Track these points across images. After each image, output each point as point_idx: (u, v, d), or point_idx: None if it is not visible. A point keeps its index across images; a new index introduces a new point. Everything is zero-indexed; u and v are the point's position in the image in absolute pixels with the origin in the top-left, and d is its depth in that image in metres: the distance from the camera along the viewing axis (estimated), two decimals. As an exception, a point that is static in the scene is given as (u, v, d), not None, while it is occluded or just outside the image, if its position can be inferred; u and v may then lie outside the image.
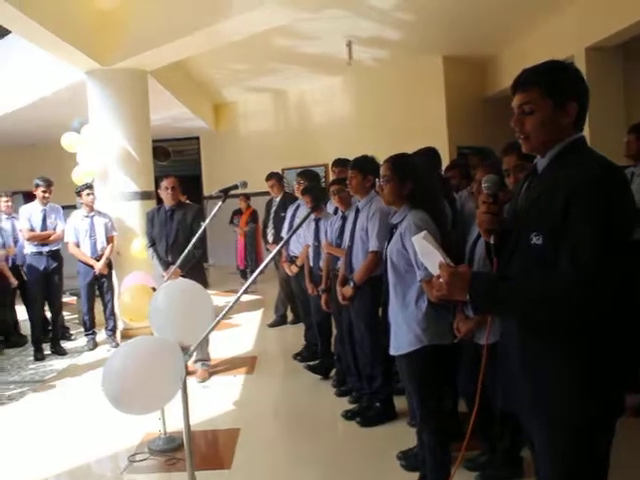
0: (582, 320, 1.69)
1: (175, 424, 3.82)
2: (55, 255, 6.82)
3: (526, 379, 1.84)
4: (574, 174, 1.72)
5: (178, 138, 14.48)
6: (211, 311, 3.15)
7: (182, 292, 3.23)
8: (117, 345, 6.73)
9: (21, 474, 3.86)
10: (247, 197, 10.99)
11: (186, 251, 4.27)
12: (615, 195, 1.68)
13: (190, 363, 5.51)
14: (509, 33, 8.82)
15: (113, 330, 6.97)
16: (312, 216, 5.15)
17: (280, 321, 7.70)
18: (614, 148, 4.79)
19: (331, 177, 6.93)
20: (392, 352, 3.08)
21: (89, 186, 6.80)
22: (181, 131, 13.54)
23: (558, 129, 1.82)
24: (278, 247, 2.76)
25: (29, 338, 7.04)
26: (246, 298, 9.56)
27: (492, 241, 1.94)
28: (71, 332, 7.73)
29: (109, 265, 6.89)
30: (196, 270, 5.35)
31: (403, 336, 2.98)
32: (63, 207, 7.19)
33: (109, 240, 6.83)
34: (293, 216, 6.16)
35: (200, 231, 4.30)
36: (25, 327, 7.31)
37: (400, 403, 4.26)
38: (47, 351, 6.82)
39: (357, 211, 4.23)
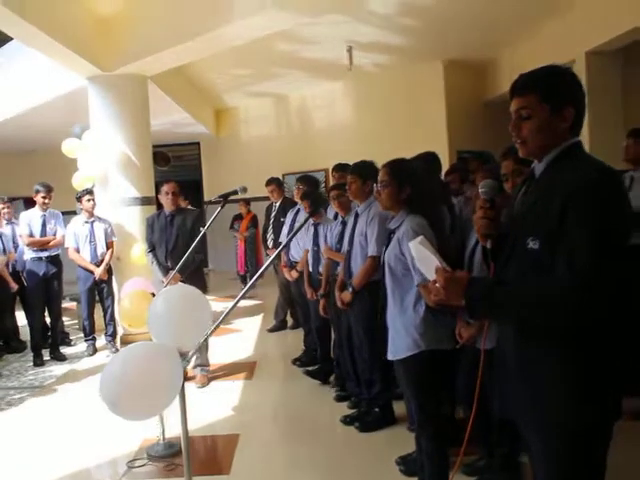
0: (578, 324, 1.68)
1: (174, 430, 3.81)
2: (55, 261, 6.83)
3: (522, 384, 1.84)
4: (571, 179, 1.72)
5: (179, 143, 14.49)
6: (210, 317, 3.14)
7: (181, 298, 3.22)
8: (117, 351, 6.72)
9: (20, 480, 3.87)
10: (247, 202, 10.98)
11: (185, 256, 4.27)
12: (612, 200, 1.68)
13: (189, 368, 5.52)
14: (509, 38, 8.84)
15: (113, 336, 6.97)
16: (311, 221, 5.16)
17: (280, 326, 7.70)
18: (614, 152, 4.81)
19: (331, 182, 6.94)
20: (390, 357, 3.08)
21: (89, 192, 6.81)
22: (182, 136, 13.55)
23: (555, 134, 1.82)
24: (276, 252, 2.76)
25: (29, 344, 7.03)
26: (246, 303, 9.56)
27: (489, 246, 1.94)
28: (71, 338, 7.73)
29: (109, 271, 6.89)
30: (196, 275, 5.35)
31: (401, 341, 2.98)
32: (63, 213, 7.20)
33: (109, 246, 6.84)
34: (293, 221, 6.16)
35: (199, 236, 4.30)
36: (25, 333, 7.30)
37: (399, 408, 4.26)
38: (46, 357, 6.81)
39: (356, 216, 4.23)
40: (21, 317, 7.39)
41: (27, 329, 7.03)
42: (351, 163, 4.45)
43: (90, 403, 4.87)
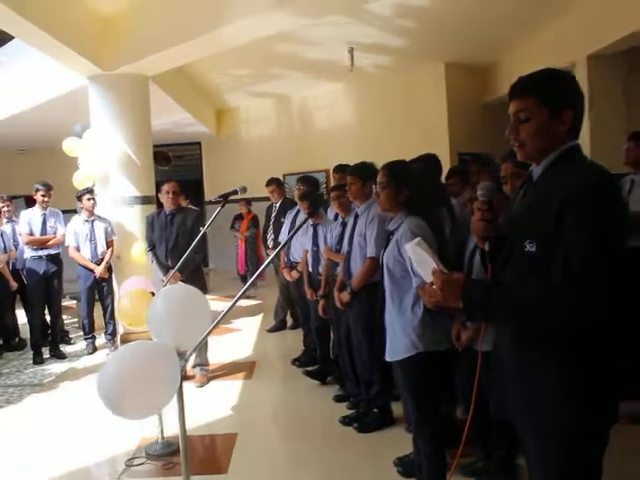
0: (575, 328, 1.69)
1: (172, 429, 3.83)
2: (55, 259, 6.84)
3: (519, 387, 1.84)
4: (569, 182, 1.72)
5: (180, 143, 14.50)
6: (209, 316, 3.15)
7: (180, 297, 3.23)
8: (116, 349, 6.72)
9: (18, 478, 3.87)
10: (248, 202, 10.97)
11: (185, 255, 4.28)
12: (609, 203, 1.68)
13: (189, 368, 5.53)
14: (511, 40, 8.84)
15: (113, 334, 6.98)
16: (310, 222, 5.16)
17: (279, 326, 7.70)
18: (615, 156, 4.81)
19: (332, 183, 6.94)
20: (388, 358, 3.08)
21: (89, 191, 6.83)
22: (183, 136, 13.55)
23: (553, 137, 1.83)
24: (274, 253, 2.76)
25: (28, 342, 7.04)
26: (246, 303, 9.58)
27: (486, 248, 1.94)
28: (70, 336, 7.74)
29: (109, 269, 6.91)
30: (195, 275, 5.36)
31: (399, 342, 2.99)
32: (64, 211, 7.22)
33: (109, 244, 6.85)
34: (293, 221, 6.16)
35: (199, 236, 4.31)
36: (25, 331, 7.31)
37: (398, 409, 4.26)
38: (46, 355, 6.82)
39: (356, 217, 4.23)
40: (21, 315, 7.39)
41: (27, 327, 7.04)
42: (352, 164, 4.46)
43: (89, 401, 4.87)
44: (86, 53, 6.46)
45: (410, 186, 3.02)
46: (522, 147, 1.87)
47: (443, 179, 5.02)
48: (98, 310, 7.02)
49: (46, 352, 6.85)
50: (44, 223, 6.80)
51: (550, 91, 1.82)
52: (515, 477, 3.24)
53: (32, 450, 4.29)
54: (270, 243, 7.58)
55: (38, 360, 6.66)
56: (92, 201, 6.76)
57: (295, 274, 5.94)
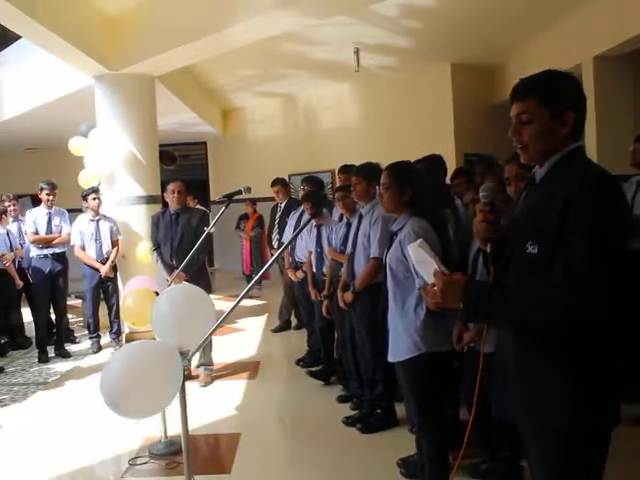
0: (576, 329, 1.68)
1: (176, 428, 3.82)
2: (60, 258, 6.87)
3: (521, 388, 1.84)
4: (571, 184, 1.71)
5: (185, 143, 14.52)
6: (213, 316, 3.15)
7: (184, 297, 3.24)
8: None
9: (22, 476, 3.88)
10: (253, 202, 11.00)
11: (189, 255, 4.29)
12: (612, 205, 1.68)
13: (193, 367, 5.54)
14: (517, 41, 8.82)
15: (117, 333, 7.00)
16: (313, 222, 5.16)
17: (284, 326, 7.71)
18: (622, 157, 4.80)
19: (338, 183, 6.94)
20: (390, 359, 3.08)
21: (95, 190, 6.85)
22: (188, 136, 13.57)
23: (555, 139, 1.82)
24: (277, 253, 2.77)
25: (34, 340, 7.07)
26: (251, 303, 9.60)
27: (488, 249, 1.94)
28: (75, 335, 7.77)
29: (114, 268, 6.93)
30: (200, 274, 5.37)
31: (401, 343, 2.98)
32: (69, 210, 7.26)
33: (114, 244, 6.88)
34: (298, 221, 6.15)
35: (204, 236, 4.32)
36: (30, 329, 7.34)
37: (401, 410, 4.24)
38: (51, 353, 6.86)
39: (360, 217, 4.23)
40: (26, 314, 7.42)
41: (32, 326, 7.06)
42: (357, 164, 4.46)
43: (94, 400, 4.87)
44: (92, 53, 6.48)
45: (413, 187, 3.02)
46: (525, 149, 1.87)
47: (448, 180, 5.01)
48: (103, 309, 7.05)
49: (51, 351, 6.89)
50: (49, 222, 6.83)
51: (551, 92, 1.81)
52: (520, 478, 3.23)
53: (36, 448, 4.31)
54: (275, 243, 7.59)
55: (43, 359, 6.68)
56: (97, 200, 6.78)
57: (300, 274, 5.94)
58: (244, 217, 11.36)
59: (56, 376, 6.14)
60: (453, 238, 3.66)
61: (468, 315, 1.83)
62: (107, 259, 6.80)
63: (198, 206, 8.69)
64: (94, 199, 6.75)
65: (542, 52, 8.46)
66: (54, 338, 7.01)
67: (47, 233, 6.79)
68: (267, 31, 6.44)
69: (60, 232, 6.88)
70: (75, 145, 7.36)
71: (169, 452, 4.00)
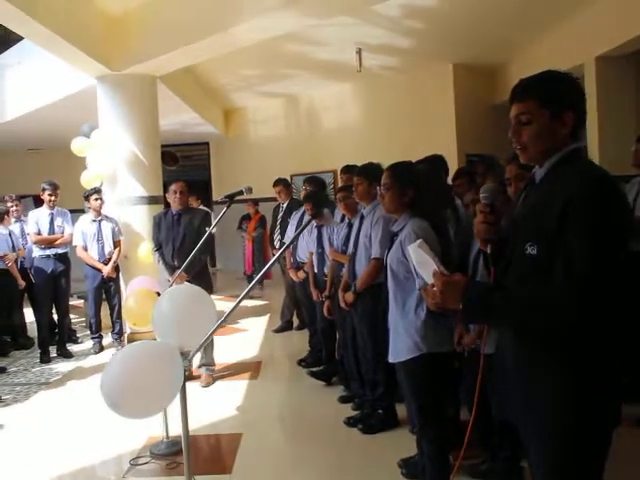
0: (576, 330, 1.68)
1: (178, 428, 3.82)
2: (62, 258, 6.88)
3: (521, 388, 1.84)
4: (570, 185, 1.71)
5: (188, 143, 14.53)
6: (214, 317, 3.16)
7: (185, 297, 3.25)
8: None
9: (24, 476, 3.89)
10: (255, 202, 11.00)
11: (191, 255, 4.29)
12: (612, 206, 1.68)
13: (195, 368, 5.54)
14: (519, 41, 8.81)
15: (119, 334, 7.01)
16: (314, 223, 5.15)
17: (286, 327, 7.71)
18: (624, 157, 4.79)
19: (340, 184, 6.94)
20: (390, 359, 3.08)
21: (97, 191, 6.86)
22: (191, 136, 13.58)
23: (555, 139, 1.82)
24: (278, 253, 2.78)
25: (36, 340, 7.08)
26: (252, 303, 9.60)
27: (489, 250, 1.94)
28: (77, 335, 7.78)
29: (116, 269, 6.94)
30: (202, 275, 5.38)
31: (402, 343, 2.98)
32: (71, 211, 7.26)
33: (116, 244, 6.89)
34: (299, 222, 6.16)
35: (205, 236, 4.32)
36: (32, 329, 7.35)
37: (402, 410, 4.24)
38: (53, 354, 6.86)
39: (362, 218, 4.23)
40: (29, 314, 7.43)
41: (35, 326, 7.08)
42: (359, 165, 4.45)
43: (95, 400, 4.88)
44: (94, 53, 6.48)
45: (414, 187, 3.01)
46: (524, 150, 1.87)
47: (450, 180, 5.01)
48: (105, 309, 7.06)
49: (53, 351, 6.90)
50: (52, 222, 6.84)
51: (550, 93, 1.81)
52: (520, 479, 3.23)
53: (38, 448, 4.32)
54: (277, 243, 7.59)
55: (45, 359, 6.69)
56: (99, 201, 6.79)
57: (302, 274, 5.94)
58: (246, 217, 11.37)
59: (58, 376, 6.15)
60: (453, 238, 3.66)
61: (468, 316, 1.83)
62: (109, 259, 6.81)
63: (201, 207, 8.70)
64: (96, 199, 6.75)
65: (544, 52, 8.46)
66: (56, 338, 7.02)
67: (49, 234, 6.80)
68: (269, 31, 6.44)
69: (62, 232, 6.88)
70: (77, 146, 7.37)
71: (170, 452, 4.00)
